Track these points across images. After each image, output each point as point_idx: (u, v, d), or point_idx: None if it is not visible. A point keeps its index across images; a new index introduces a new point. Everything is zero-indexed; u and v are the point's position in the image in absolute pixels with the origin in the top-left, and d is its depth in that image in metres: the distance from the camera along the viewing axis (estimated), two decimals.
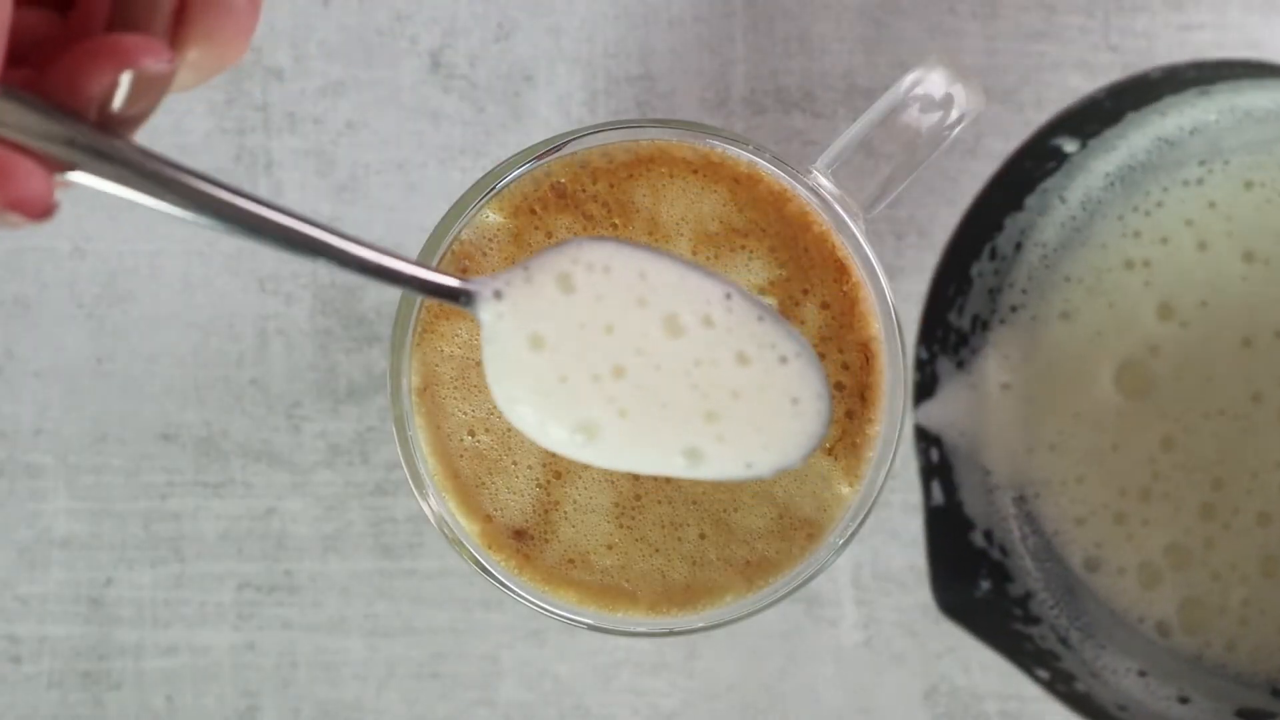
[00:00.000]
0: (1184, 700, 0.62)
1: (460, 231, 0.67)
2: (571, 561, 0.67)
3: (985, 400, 0.63)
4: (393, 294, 0.75)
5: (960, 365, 0.63)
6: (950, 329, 0.62)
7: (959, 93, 0.66)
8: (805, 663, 0.75)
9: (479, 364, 0.66)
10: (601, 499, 0.67)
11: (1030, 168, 0.60)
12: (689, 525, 0.67)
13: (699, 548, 0.67)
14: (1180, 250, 0.63)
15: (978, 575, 0.62)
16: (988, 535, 0.63)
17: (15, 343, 0.76)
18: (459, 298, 0.59)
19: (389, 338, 0.72)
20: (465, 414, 0.67)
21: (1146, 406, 0.63)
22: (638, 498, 0.67)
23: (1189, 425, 0.63)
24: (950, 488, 0.62)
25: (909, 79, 0.66)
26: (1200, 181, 0.62)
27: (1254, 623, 0.63)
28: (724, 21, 0.75)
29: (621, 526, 0.67)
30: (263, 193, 0.75)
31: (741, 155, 0.67)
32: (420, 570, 0.75)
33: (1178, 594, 0.64)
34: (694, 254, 0.66)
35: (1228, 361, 0.63)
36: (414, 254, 0.68)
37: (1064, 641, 0.62)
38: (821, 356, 0.66)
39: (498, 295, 0.59)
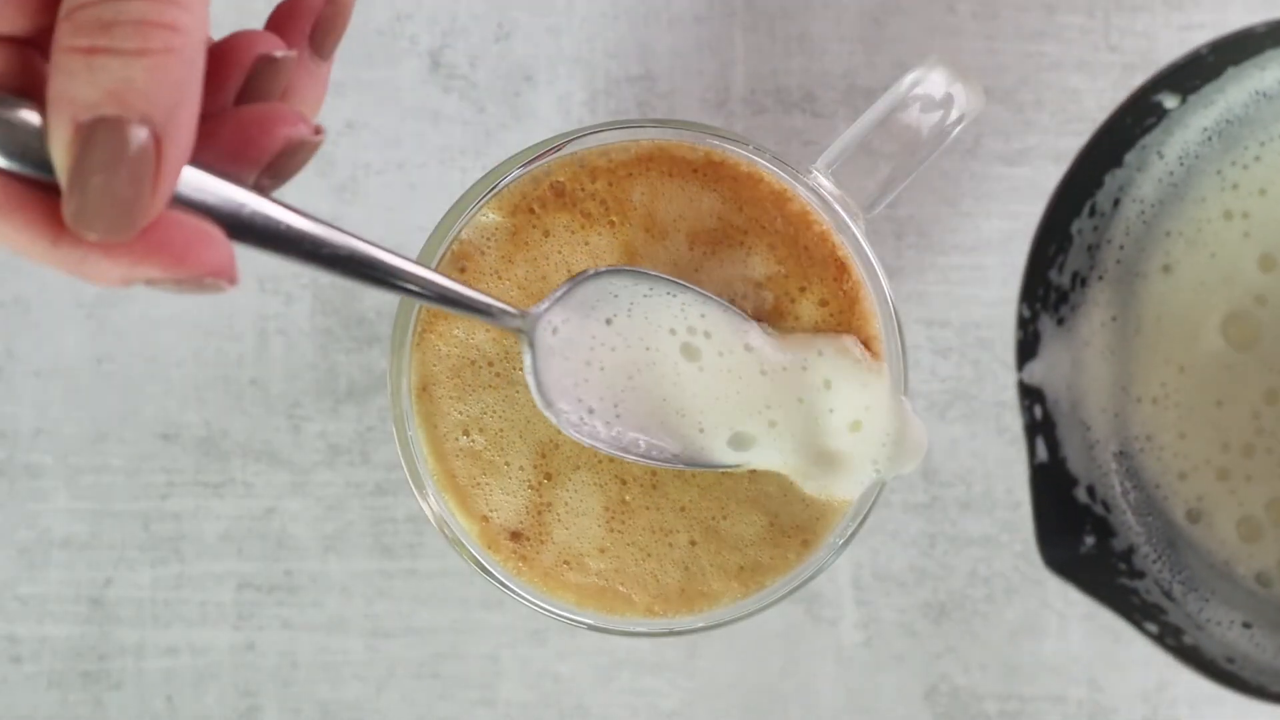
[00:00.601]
0: None
1: (460, 231, 0.67)
2: (566, 563, 0.67)
3: (1087, 356, 0.63)
4: (393, 294, 0.75)
5: (1061, 322, 0.63)
6: (1051, 287, 0.63)
7: (959, 93, 0.66)
8: (805, 663, 0.75)
9: (473, 364, 0.66)
10: (591, 503, 0.67)
11: (1131, 124, 0.61)
12: (678, 532, 0.67)
13: (690, 554, 0.67)
14: (1279, 202, 0.63)
15: (1081, 531, 0.62)
16: (1090, 491, 0.63)
17: (15, 343, 0.76)
18: (515, 323, 0.63)
19: (389, 338, 0.72)
20: (460, 414, 0.67)
21: (1251, 359, 0.64)
22: (625, 502, 0.67)
23: None
24: (1054, 445, 0.62)
25: (909, 79, 0.66)
26: None
27: None
28: (724, 21, 0.75)
29: (612, 531, 0.67)
30: None
31: (741, 155, 0.67)
32: (420, 570, 0.75)
33: (1278, 546, 0.64)
34: (691, 250, 0.66)
35: None
36: (414, 254, 0.68)
37: (1168, 595, 0.63)
38: (820, 354, 0.66)
39: (554, 331, 0.63)
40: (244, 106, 0.53)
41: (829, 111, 0.75)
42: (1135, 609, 0.61)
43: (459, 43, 0.75)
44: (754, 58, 0.75)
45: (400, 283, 0.57)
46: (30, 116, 0.49)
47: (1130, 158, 0.62)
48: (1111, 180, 0.62)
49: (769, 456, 0.65)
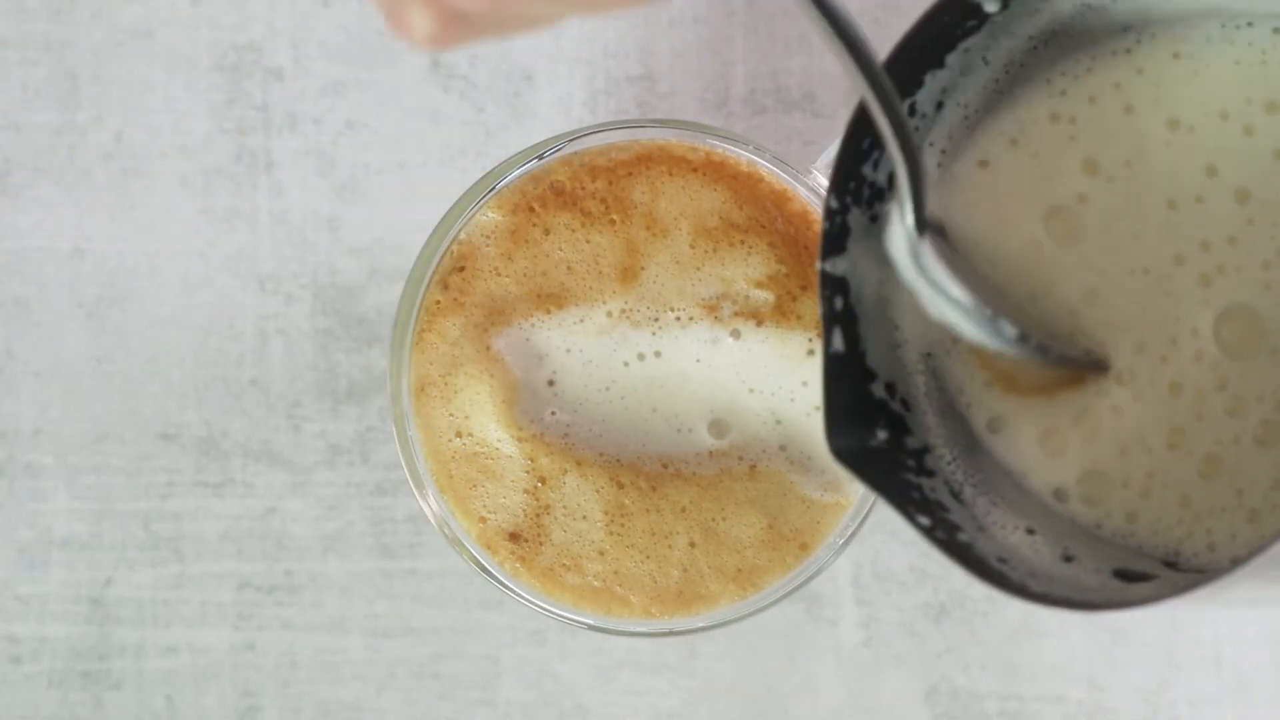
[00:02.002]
0: (1068, 559, 0.61)
1: (460, 231, 0.67)
2: (565, 566, 0.67)
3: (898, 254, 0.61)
4: (393, 294, 0.75)
5: (874, 220, 0.62)
6: (865, 182, 0.61)
7: None
8: (805, 663, 0.75)
9: (467, 364, 0.66)
10: (589, 506, 0.67)
11: (949, 23, 0.60)
12: (678, 534, 0.67)
13: (690, 556, 0.67)
14: (1107, 111, 0.62)
15: (875, 425, 0.61)
16: (889, 388, 0.62)
17: (15, 343, 0.76)
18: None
19: (389, 338, 0.72)
20: (454, 415, 0.67)
21: (1070, 256, 0.62)
22: (623, 505, 0.67)
23: (1114, 280, 0.62)
24: (853, 338, 0.61)
25: None
26: (1129, 51, 0.62)
27: (1156, 495, 0.62)
28: (724, 21, 0.75)
29: (611, 534, 0.67)
30: (263, 193, 0.75)
31: (741, 155, 0.67)
32: (420, 570, 0.75)
33: (1079, 464, 0.62)
34: (691, 248, 0.66)
35: (1153, 222, 0.62)
36: (413, 255, 0.68)
37: (956, 496, 0.62)
38: (813, 354, 0.66)
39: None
40: None
41: (829, 111, 0.75)
42: (913, 503, 0.60)
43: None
44: (754, 58, 0.75)
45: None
46: None
47: (952, 59, 0.61)
48: (933, 80, 0.61)
49: None
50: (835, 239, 0.61)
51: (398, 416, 0.67)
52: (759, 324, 0.66)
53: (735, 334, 0.66)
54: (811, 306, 0.66)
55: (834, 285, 0.61)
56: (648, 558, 0.67)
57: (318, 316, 0.75)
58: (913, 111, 0.62)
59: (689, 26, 0.75)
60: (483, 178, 0.67)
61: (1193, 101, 0.62)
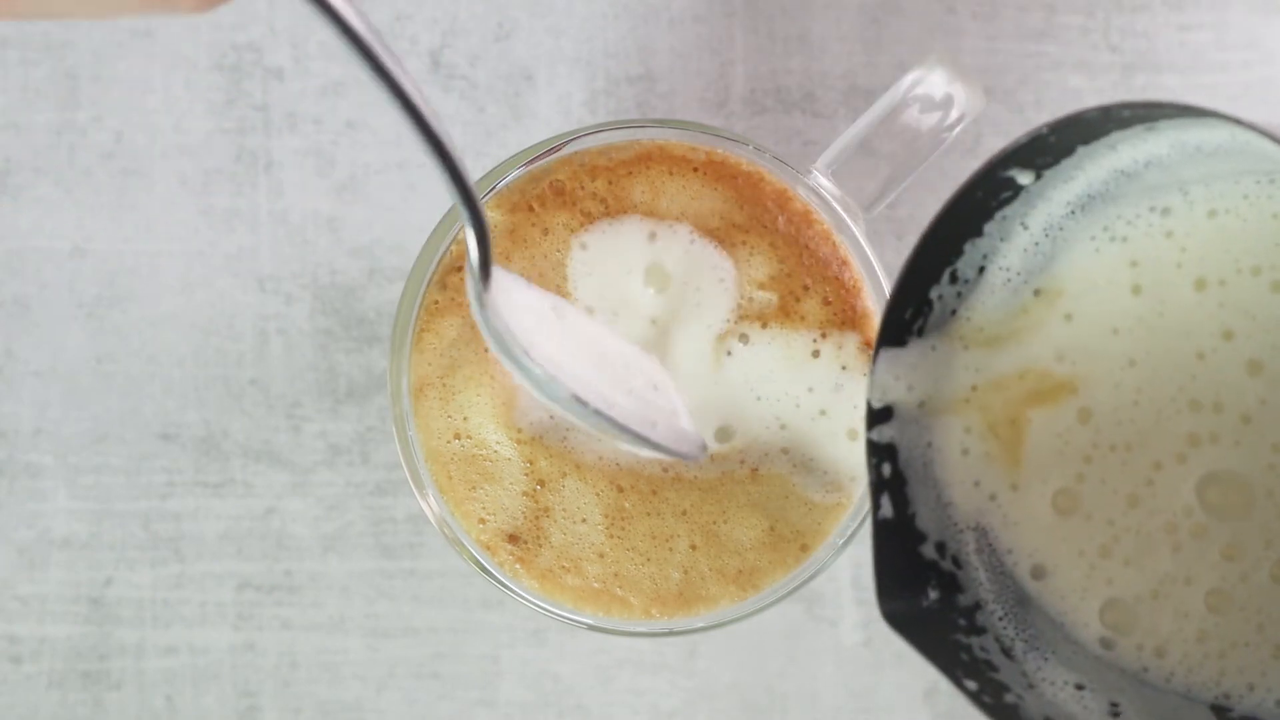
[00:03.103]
0: (1115, 714, 0.62)
1: (459, 232, 0.67)
2: (564, 568, 0.67)
3: (946, 420, 0.64)
4: (392, 294, 0.75)
5: (929, 389, 0.64)
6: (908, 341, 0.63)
7: (959, 93, 0.66)
8: (805, 663, 0.75)
9: (466, 366, 0.66)
10: (589, 509, 0.67)
11: (984, 197, 0.62)
12: (679, 537, 0.67)
13: (690, 558, 0.67)
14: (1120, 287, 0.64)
15: (926, 585, 0.63)
16: (939, 547, 0.63)
17: (15, 343, 0.76)
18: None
19: (389, 338, 0.72)
20: (452, 416, 0.67)
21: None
22: (623, 509, 0.67)
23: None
24: (902, 501, 0.63)
25: (909, 79, 0.66)
26: (1166, 211, 0.63)
27: (1202, 639, 0.63)
28: (724, 21, 0.75)
29: (611, 536, 0.67)
30: (263, 193, 0.75)
31: (742, 155, 0.67)
32: (420, 570, 0.75)
33: (1105, 594, 0.64)
34: (691, 244, 0.66)
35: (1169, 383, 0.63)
36: (414, 254, 0.68)
37: (1007, 652, 0.63)
38: (818, 355, 0.66)
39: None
40: None
41: (829, 111, 0.75)
42: (962, 665, 0.61)
43: (459, 43, 0.75)
44: (754, 58, 0.75)
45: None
46: None
47: (990, 228, 0.63)
48: (973, 249, 0.63)
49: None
50: (884, 411, 0.63)
51: (398, 417, 0.67)
52: (764, 326, 0.66)
53: (743, 338, 0.66)
54: (814, 307, 0.66)
55: (881, 453, 0.63)
56: (648, 560, 0.67)
57: (318, 316, 0.75)
58: (954, 279, 0.63)
59: (689, 26, 0.75)
60: (482, 178, 0.67)
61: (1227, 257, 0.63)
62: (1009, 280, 0.64)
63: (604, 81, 0.75)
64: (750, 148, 0.67)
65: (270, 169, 0.75)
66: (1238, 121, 0.56)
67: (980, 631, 0.63)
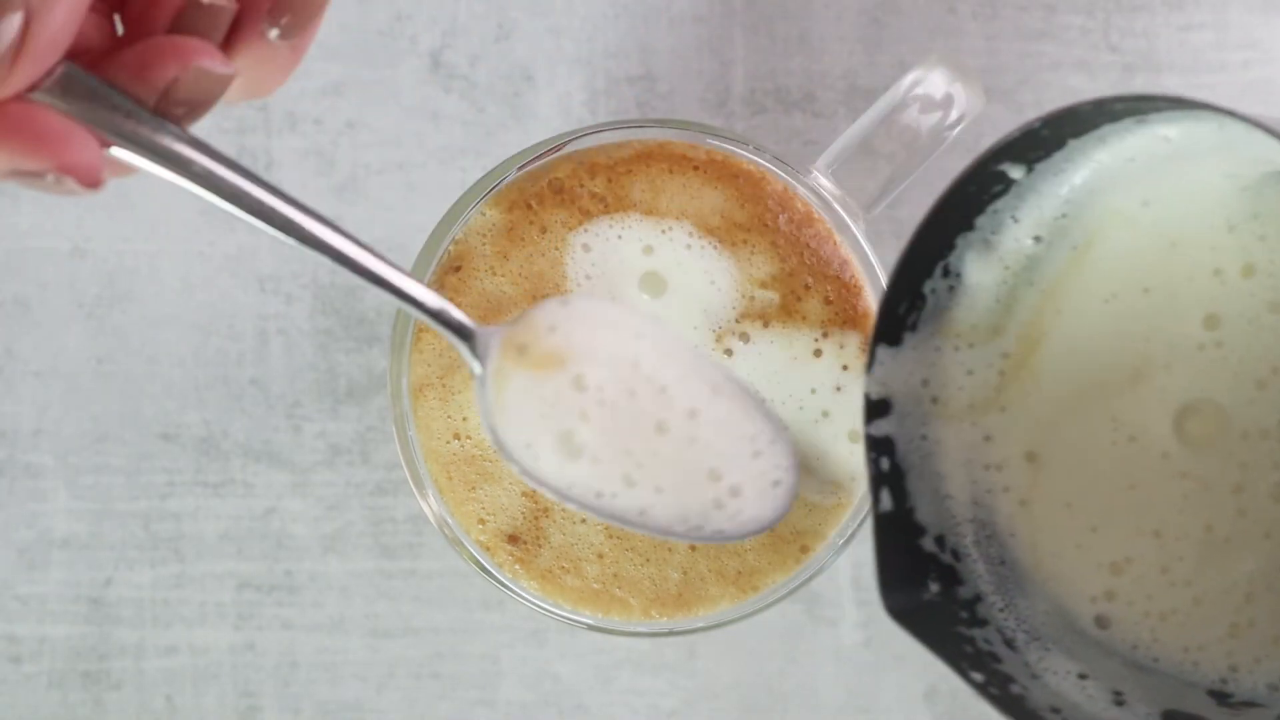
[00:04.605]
0: (1119, 703, 0.62)
1: (459, 232, 0.67)
2: (564, 568, 0.67)
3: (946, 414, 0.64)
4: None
5: (925, 383, 0.64)
6: (904, 330, 0.63)
7: (959, 93, 0.66)
8: (805, 663, 0.75)
9: (463, 367, 0.66)
10: None
11: (976, 192, 0.62)
12: None
13: (690, 559, 0.67)
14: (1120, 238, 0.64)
15: (926, 579, 0.63)
16: (939, 540, 0.64)
17: (15, 343, 0.76)
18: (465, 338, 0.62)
19: (389, 338, 0.72)
20: (451, 417, 0.67)
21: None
22: None
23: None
24: (901, 495, 0.63)
25: (909, 79, 0.66)
26: (1146, 204, 0.64)
27: (1195, 619, 0.64)
28: (724, 21, 0.75)
29: (611, 537, 0.67)
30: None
31: (742, 155, 0.67)
32: (420, 570, 0.75)
33: (1124, 594, 0.64)
34: (691, 242, 0.66)
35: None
36: (414, 254, 0.68)
37: (1009, 643, 0.63)
38: (820, 354, 0.66)
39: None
40: (158, 36, 0.54)
41: (829, 111, 0.75)
42: (967, 658, 0.61)
43: (459, 43, 0.75)
44: (754, 58, 0.75)
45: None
46: None
47: (981, 221, 0.63)
48: (964, 242, 0.63)
49: None
50: (882, 405, 0.63)
51: (398, 417, 0.67)
52: (765, 325, 0.66)
53: (744, 337, 0.66)
54: (815, 306, 0.66)
55: (879, 446, 0.63)
56: (647, 561, 0.67)
57: (318, 316, 0.75)
58: (946, 272, 0.63)
59: (689, 26, 0.75)
60: (482, 178, 0.67)
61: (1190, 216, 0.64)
62: (1001, 273, 0.64)
63: (604, 81, 0.75)
64: (750, 148, 0.67)
65: (270, 169, 0.75)
66: (1230, 114, 0.56)
67: (982, 623, 0.63)
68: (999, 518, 0.65)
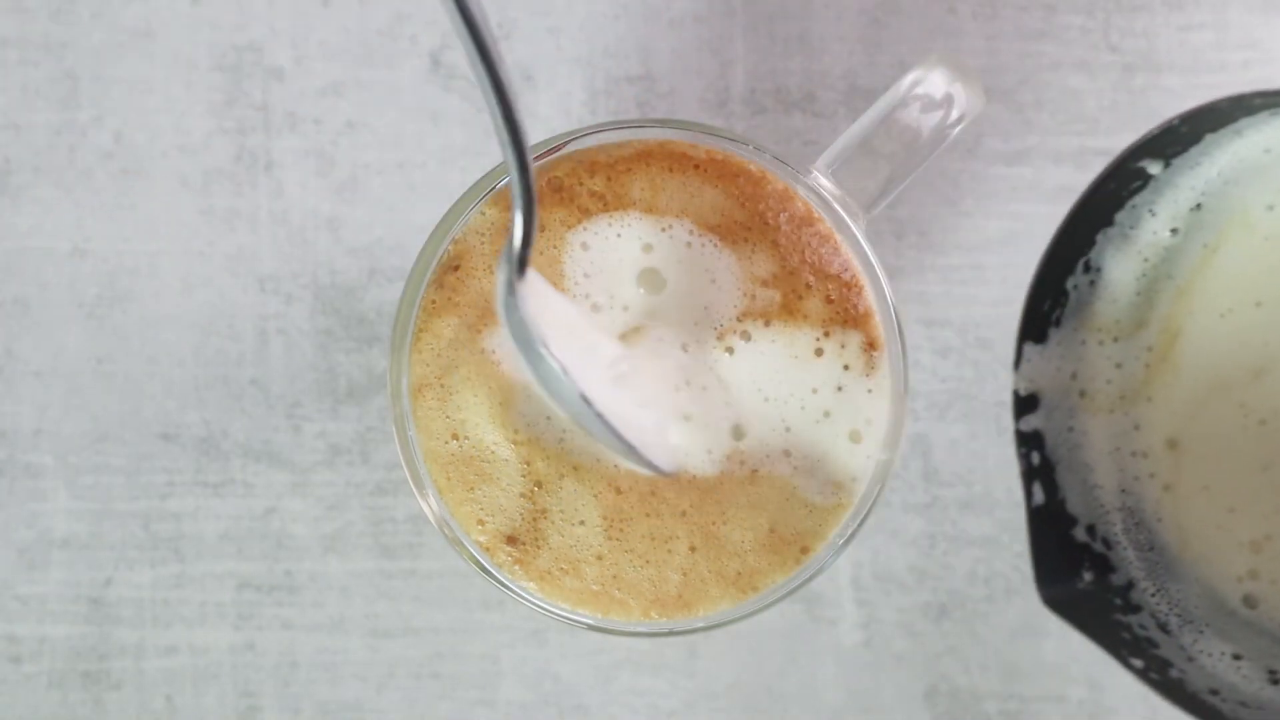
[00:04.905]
0: (1276, 681, 0.64)
1: (458, 232, 0.67)
2: (563, 570, 0.67)
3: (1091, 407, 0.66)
4: (392, 294, 0.75)
5: (1073, 376, 0.66)
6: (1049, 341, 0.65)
7: (959, 93, 0.66)
8: (805, 663, 0.75)
9: (462, 366, 0.66)
10: (587, 511, 0.66)
11: (1116, 188, 0.64)
12: (678, 538, 0.67)
13: (690, 560, 0.67)
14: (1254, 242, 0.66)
15: (1080, 568, 0.64)
16: (1090, 530, 0.65)
17: (15, 343, 0.76)
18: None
19: (389, 338, 0.72)
20: (450, 417, 0.67)
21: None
22: (622, 510, 0.66)
23: None
24: (1052, 487, 0.65)
25: (909, 79, 0.66)
26: (1271, 208, 0.65)
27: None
28: (724, 21, 0.75)
29: (610, 538, 0.67)
30: (263, 193, 0.75)
31: (742, 155, 0.67)
32: (420, 570, 0.75)
33: (1266, 571, 0.66)
34: (691, 240, 0.66)
35: None
36: (412, 254, 0.68)
37: (1163, 628, 0.65)
38: (821, 353, 0.66)
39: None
40: None
41: (829, 111, 0.75)
42: (1125, 645, 0.63)
43: (459, 43, 0.75)
44: (754, 58, 0.75)
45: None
46: None
47: (1120, 217, 0.65)
48: (1104, 238, 0.65)
49: None
50: (1030, 400, 0.65)
51: (398, 417, 0.67)
52: (766, 324, 0.66)
53: (745, 335, 0.66)
54: (816, 305, 0.66)
55: (1029, 441, 0.65)
56: (647, 562, 0.67)
57: (318, 316, 0.75)
58: (1087, 268, 0.65)
59: (689, 26, 0.75)
60: (482, 178, 0.67)
61: None
62: (1140, 265, 0.65)
63: (604, 81, 0.75)
64: (750, 148, 0.67)
65: (270, 169, 0.75)
66: None
67: (1136, 609, 0.65)
68: (1146, 504, 0.66)
